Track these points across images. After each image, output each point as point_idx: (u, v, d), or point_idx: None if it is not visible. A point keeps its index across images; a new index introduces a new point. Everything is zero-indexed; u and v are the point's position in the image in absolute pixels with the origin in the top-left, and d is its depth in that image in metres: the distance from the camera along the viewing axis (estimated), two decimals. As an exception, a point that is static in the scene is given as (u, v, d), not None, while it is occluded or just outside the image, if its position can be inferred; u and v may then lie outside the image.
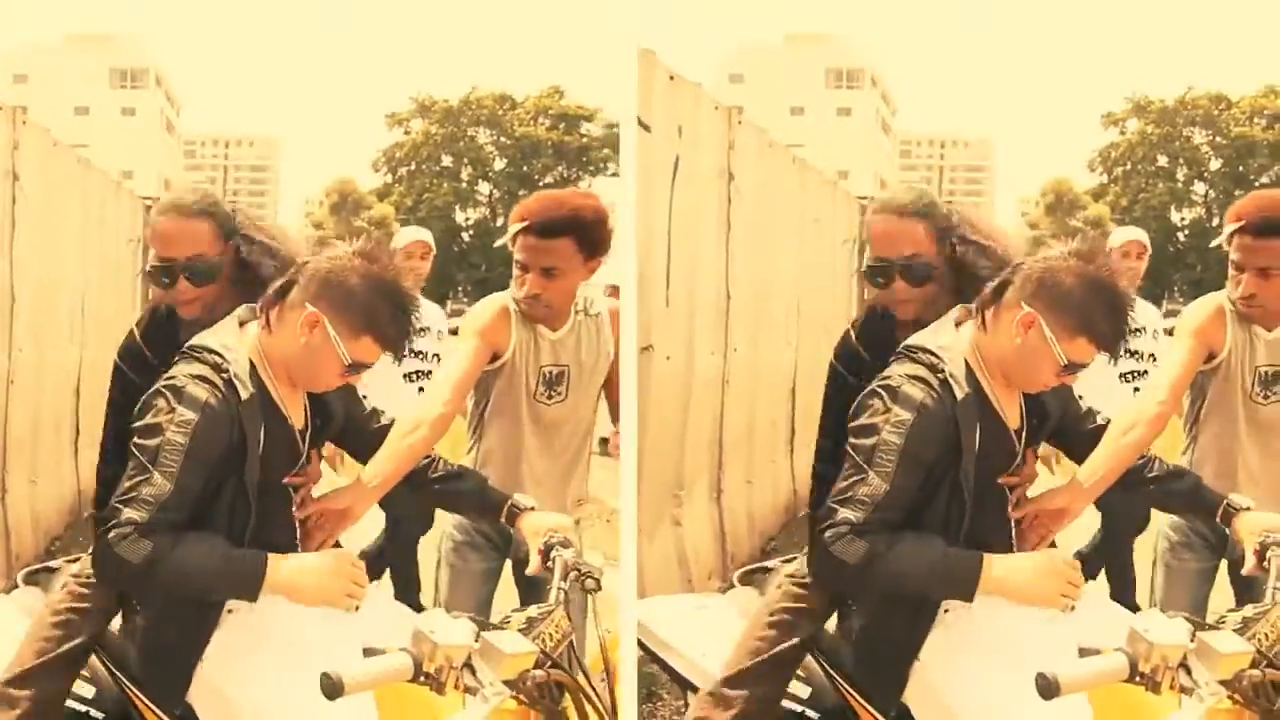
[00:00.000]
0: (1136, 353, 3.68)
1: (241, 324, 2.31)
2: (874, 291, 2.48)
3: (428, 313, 3.38)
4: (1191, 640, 1.85)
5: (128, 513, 2.10)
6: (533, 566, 2.35)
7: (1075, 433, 2.47)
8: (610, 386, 3.01)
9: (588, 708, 2.13)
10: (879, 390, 2.21)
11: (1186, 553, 2.93)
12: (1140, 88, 15.20)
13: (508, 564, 3.05)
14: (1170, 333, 3.28)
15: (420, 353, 3.91)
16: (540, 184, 14.41)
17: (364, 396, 2.56)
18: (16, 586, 2.58)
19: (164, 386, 2.22)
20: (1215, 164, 15.43)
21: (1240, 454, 2.81)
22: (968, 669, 2.19)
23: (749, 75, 13.50)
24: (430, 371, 3.74)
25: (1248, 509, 2.40)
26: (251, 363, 2.26)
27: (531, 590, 2.85)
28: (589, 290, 2.97)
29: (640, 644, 2.70)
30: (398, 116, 14.18)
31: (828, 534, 2.11)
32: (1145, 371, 3.71)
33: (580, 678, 2.14)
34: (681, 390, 4.34)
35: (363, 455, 2.53)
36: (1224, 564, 2.96)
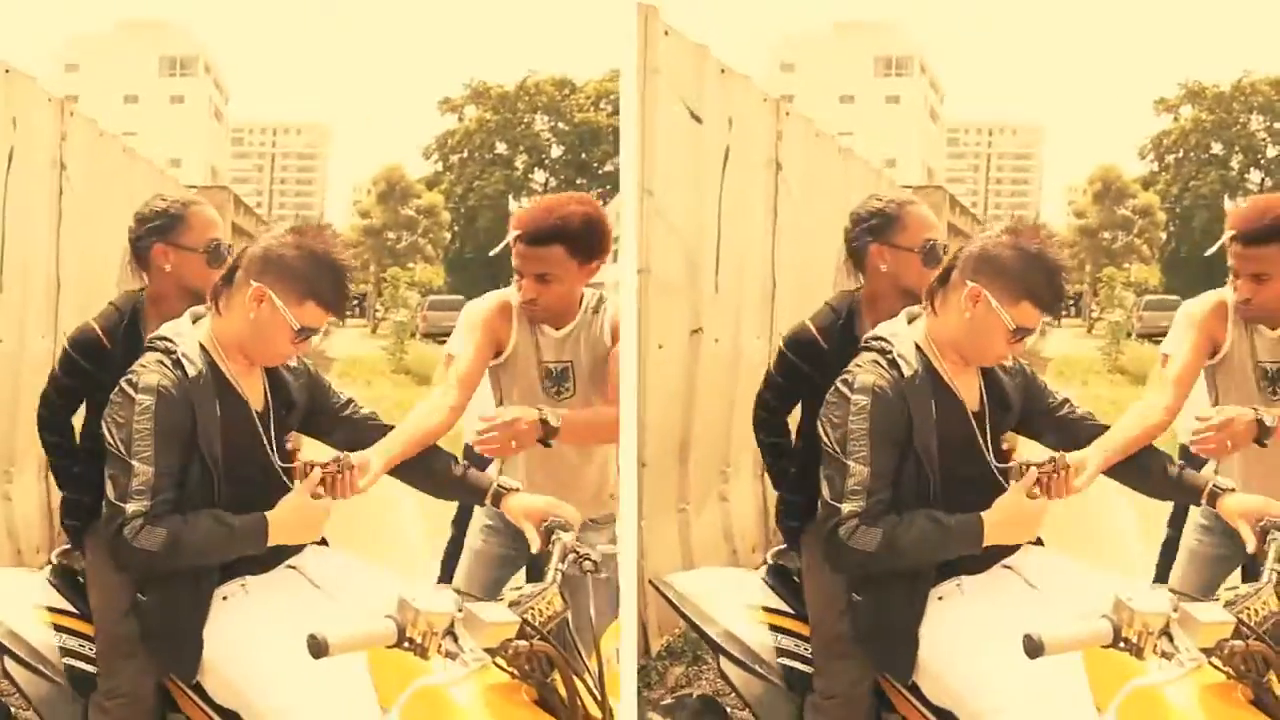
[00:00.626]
0: None
1: (195, 320, 2.53)
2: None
3: None
4: (1174, 610, 2.05)
5: (131, 507, 2.29)
6: (534, 546, 2.48)
7: (1049, 421, 2.63)
8: (614, 371, 3.11)
9: (576, 683, 2.27)
10: (838, 386, 2.42)
11: (1208, 536, 3.05)
12: (1195, 73, 15.02)
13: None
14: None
15: None
16: (600, 172, 14.15)
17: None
18: (51, 564, 2.78)
19: (123, 382, 2.43)
20: (1273, 151, 15.25)
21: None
22: (962, 645, 2.37)
23: (800, 64, 13.64)
24: None
25: (1232, 490, 2.54)
26: (203, 346, 2.45)
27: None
28: (605, 288, 3.13)
29: (681, 613, 2.90)
30: (451, 103, 14.15)
31: (841, 531, 2.29)
32: None
33: (579, 657, 2.30)
34: (729, 372, 4.57)
35: (337, 441, 2.68)
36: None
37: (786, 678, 2.64)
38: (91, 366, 2.71)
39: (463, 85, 13.74)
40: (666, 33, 3.93)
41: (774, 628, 2.72)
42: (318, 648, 2.01)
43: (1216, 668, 2.21)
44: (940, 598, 2.40)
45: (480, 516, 3.13)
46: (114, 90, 12.78)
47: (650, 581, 2.94)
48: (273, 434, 2.53)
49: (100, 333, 2.74)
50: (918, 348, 2.45)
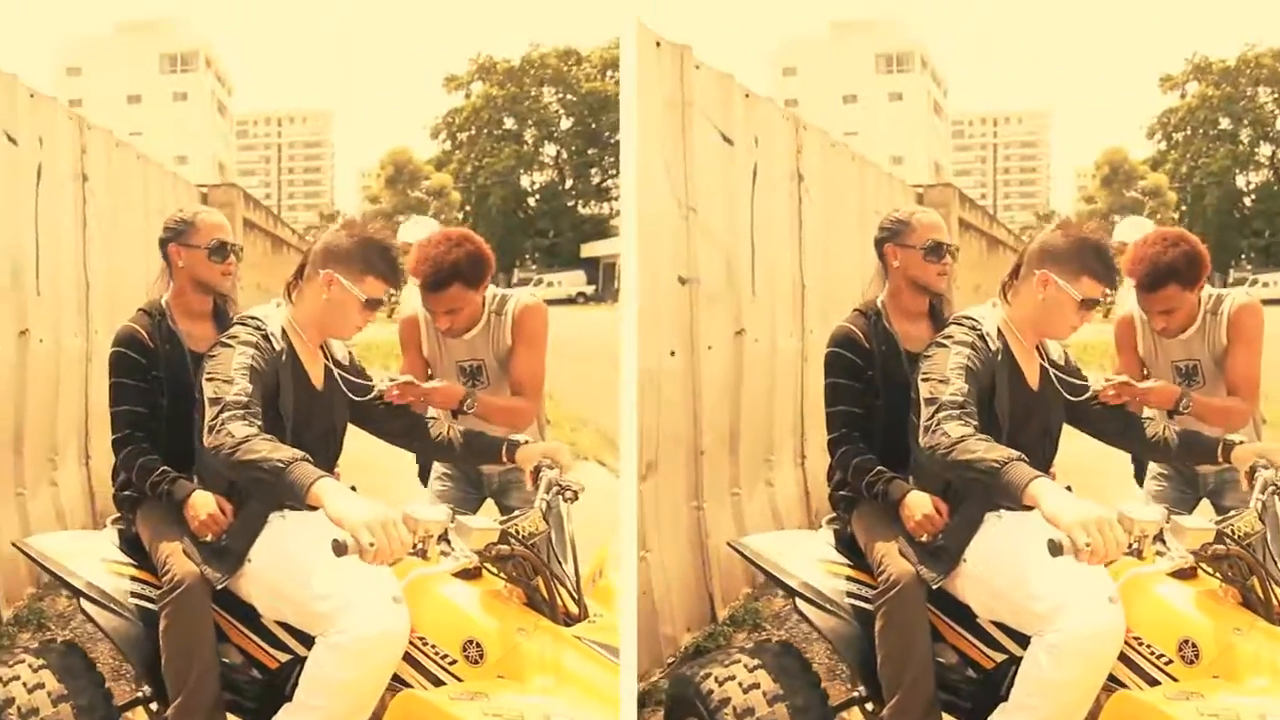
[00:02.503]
0: None
1: (277, 305, 3.07)
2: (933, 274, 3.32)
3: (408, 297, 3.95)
4: (1167, 521, 2.66)
5: (226, 409, 2.75)
6: (528, 485, 3.03)
7: (1092, 409, 3.20)
8: (515, 366, 3.62)
9: (556, 587, 2.80)
10: (938, 341, 3.02)
11: (1165, 483, 3.74)
12: (1200, 48, 15.42)
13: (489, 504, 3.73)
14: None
15: None
16: (610, 140, 14.02)
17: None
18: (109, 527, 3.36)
19: (224, 338, 2.95)
20: None
21: None
22: (1003, 554, 2.92)
23: (801, 67, 14.18)
24: None
25: (1242, 442, 3.12)
26: (282, 328, 3.00)
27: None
28: (509, 290, 3.72)
29: (760, 568, 3.51)
30: (457, 80, 13.24)
31: (940, 415, 2.75)
32: None
33: (555, 566, 2.81)
34: (768, 368, 5.21)
35: (373, 424, 3.24)
36: (1205, 502, 3.69)
37: (855, 614, 3.24)
38: (142, 359, 3.21)
39: (468, 61, 13.46)
40: (698, 67, 4.59)
41: (838, 575, 3.33)
42: (339, 548, 2.47)
43: (1207, 572, 2.82)
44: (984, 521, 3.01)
45: (438, 468, 3.75)
46: (117, 91, 13.05)
47: (729, 543, 3.55)
48: (333, 416, 3.08)
49: (141, 330, 3.25)
50: (1000, 331, 3.06)
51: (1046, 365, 3.10)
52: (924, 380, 2.90)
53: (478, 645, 2.77)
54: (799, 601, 3.27)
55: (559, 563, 2.86)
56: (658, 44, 4.35)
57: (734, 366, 4.88)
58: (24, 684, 3.04)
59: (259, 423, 2.75)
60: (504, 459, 3.18)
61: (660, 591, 4.25)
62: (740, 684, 3.16)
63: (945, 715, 3.05)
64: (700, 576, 4.51)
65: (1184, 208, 15.07)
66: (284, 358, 2.96)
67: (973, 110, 16.66)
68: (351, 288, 2.96)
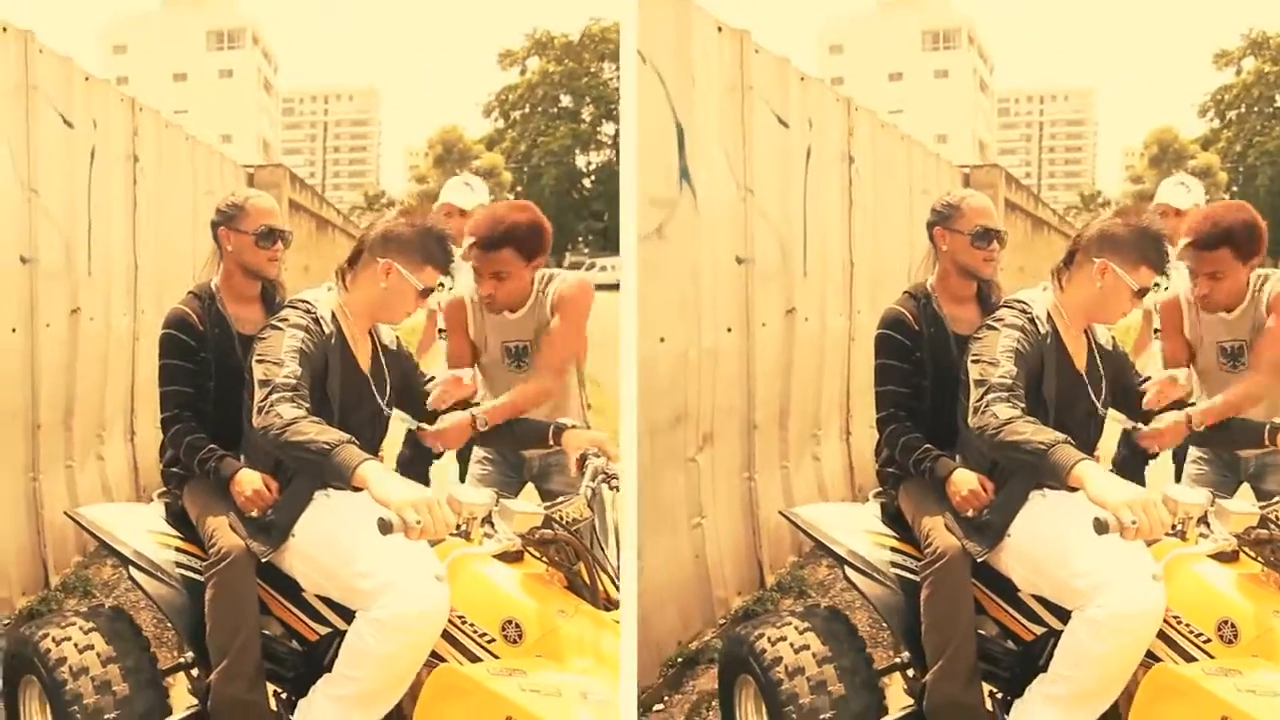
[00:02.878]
0: None
1: (329, 289, 3.26)
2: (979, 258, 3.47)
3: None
4: (1211, 504, 2.83)
5: (276, 391, 2.82)
6: (572, 472, 3.12)
7: (1135, 391, 3.35)
8: (545, 340, 3.60)
9: (598, 572, 2.86)
10: (988, 323, 3.16)
11: (1205, 466, 3.79)
12: (1257, 22, 15.23)
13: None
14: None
15: None
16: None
17: None
18: (156, 500, 3.52)
19: (275, 321, 3.04)
20: None
21: None
22: (1046, 531, 3.06)
23: (848, 45, 14.24)
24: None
25: None
26: (333, 313, 3.08)
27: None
28: (559, 270, 3.70)
29: (810, 536, 3.71)
30: (512, 55, 12.85)
31: (989, 397, 2.91)
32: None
33: (597, 552, 2.92)
34: (817, 346, 5.40)
35: (417, 407, 3.34)
36: (1246, 486, 3.76)
37: (899, 583, 3.44)
38: (192, 341, 3.28)
39: (524, 36, 12.76)
40: (757, 51, 4.76)
41: (884, 546, 3.53)
42: (385, 527, 2.55)
43: (1249, 556, 2.97)
44: (1029, 499, 3.19)
45: (478, 451, 3.75)
46: (163, 69, 12.98)
47: (781, 512, 3.75)
48: (378, 399, 3.15)
49: (191, 313, 3.32)
50: (1049, 316, 3.21)
51: (1095, 349, 3.25)
52: (974, 362, 3.04)
53: (517, 625, 2.85)
54: (846, 569, 3.46)
55: (601, 548, 2.98)
56: (719, 29, 4.52)
57: (785, 344, 5.07)
58: (75, 645, 3.22)
59: (307, 405, 2.85)
60: (550, 442, 3.30)
61: (713, 557, 4.47)
62: (791, 645, 3.36)
63: (985, 684, 3.23)
64: (750, 544, 4.73)
65: (1235, 188, 15.00)
66: (333, 341, 3.05)
67: (1019, 87, 16.67)
68: (410, 276, 3.06)
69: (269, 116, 13.75)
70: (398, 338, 3.32)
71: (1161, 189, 4.43)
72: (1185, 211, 4.20)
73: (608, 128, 12.92)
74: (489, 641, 2.86)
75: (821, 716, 3.25)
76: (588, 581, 2.90)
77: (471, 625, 2.87)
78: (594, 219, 12.59)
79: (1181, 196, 4.33)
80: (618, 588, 2.98)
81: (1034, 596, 3.19)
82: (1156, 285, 3.17)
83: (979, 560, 3.17)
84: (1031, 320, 3.13)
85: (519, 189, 13.20)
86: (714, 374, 4.47)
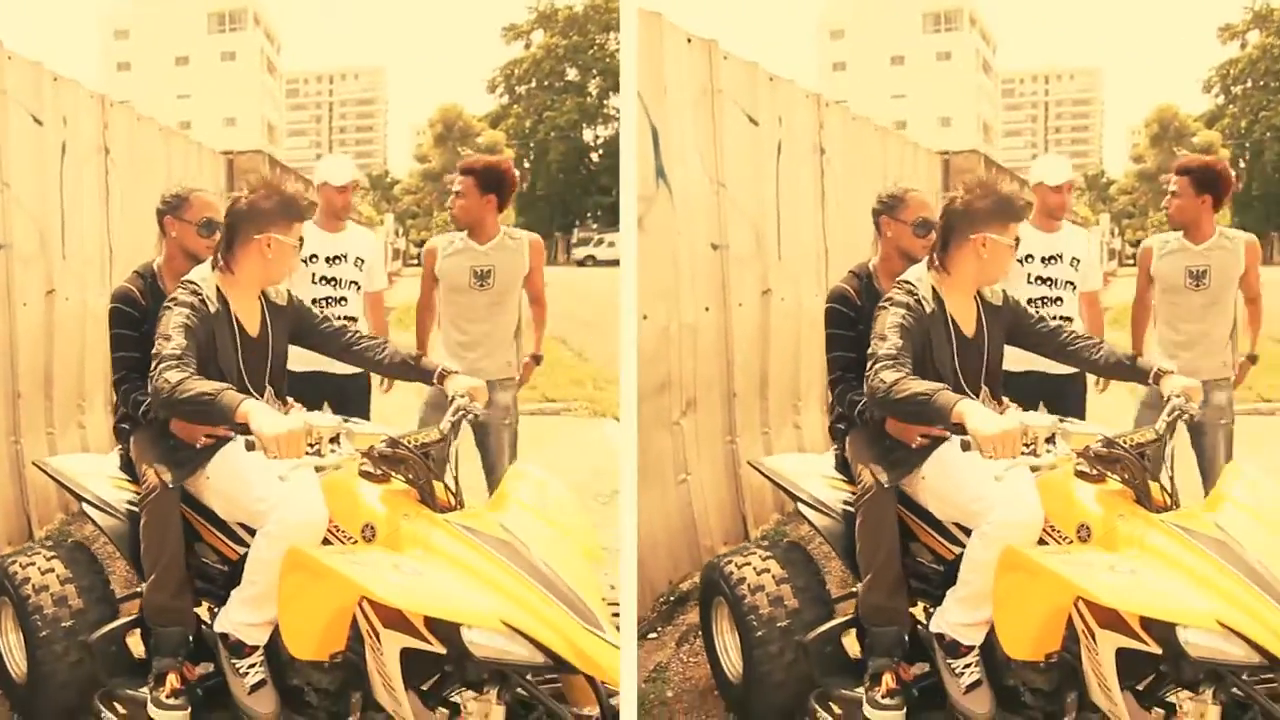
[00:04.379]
0: (1049, 279, 5.15)
1: (214, 268, 3.82)
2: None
3: (358, 240, 5.23)
4: (1059, 426, 3.55)
5: (163, 361, 3.49)
6: (449, 411, 3.88)
7: (1035, 333, 4.07)
8: (534, 282, 5.15)
9: (435, 483, 3.64)
10: (881, 304, 3.87)
11: (1148, 410, 4.72)
12: None
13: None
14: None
15: (331, 279, 5.16)
16: None
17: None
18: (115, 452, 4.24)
19: (166, 301, 3.73)
20: None
21: None
22: (951, 468, 3.81)
23: (849, 29, 14.92)
24: (344, 299, 5.14)
25: (1171, 372, 4.01)
26: (218, 288, 3.76)
27: (484, 450, 5.01)
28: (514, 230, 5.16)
29: (776, 483, 4.52)
30: (517, 29, 13.25)
31: (876, 366, 3.63)
32: (1059, 298, 5.13)
33: (436, 469, 3.67)
34: (794, 323, 6.21)
35: (323, 349, 4.08)
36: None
37: (844, 516, 4.23)
38: (134, 313, 4.01)
39: (527, 9, 13.09)
40: (725, 57, 5.57)
41: (836, 488, 4.32)
42: (249, 445, 3.36)
43: (1093, 470, 3.69)
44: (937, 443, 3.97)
45: (427, 394, 4.88)
46: (165, 53, 13.47)
47: (749, 462, 4.57)
48: (269, 354, 3.86)
49: (135, 290, 4.06)
50: (934, 291, 3.99)
51: (982, 312, 3.96)
52: (871, 349, 3.73)
53: (372, 528, 3.63)
54: (800, 506, 4.29)
55: (441, 466, 3.74)
56: (688, 40, 5.34)
57: (762, 322, 5.89)
58: (38, 569, 4.09)
59: (191, 369, 3.51)
60: (435, 382, 4.04)
61: (700, 510, 5.31)
62: (754, 569, 4.20)
63: (920, 600, 4.01)
64: (734, 500, 5.57)
65: (1242, 164, 15.59)
66: (218, 314, 3.74)
67: (1023, 68, 17.27)
68: (286, 240, 3.78)
69: (273, 98, 14.05)
70: (287, 292, 4.02)
71: (1035, 167, 5.25)
72: (1061, 185, 5.11)
73: (615, 100, 13.13)
74: (352, 542, 3.65)
75: (778, 624, 4.08)
76: (430, 491, 3.68)
77: (341, 530, 3.65)
78: (602, 193, 12.94)
79: (1068, 170, 5.21)
80: (453, 494, 3.76)
81: (955, 524, 3.99)
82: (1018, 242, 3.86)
83: (901, 490, 3.97)
84: (917, 299, 3.82)
85: (526, 164, 13.37)
86: (694, 347, 5.30)
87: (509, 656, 3.32)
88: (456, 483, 3.81)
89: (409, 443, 3.70)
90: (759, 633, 4.09)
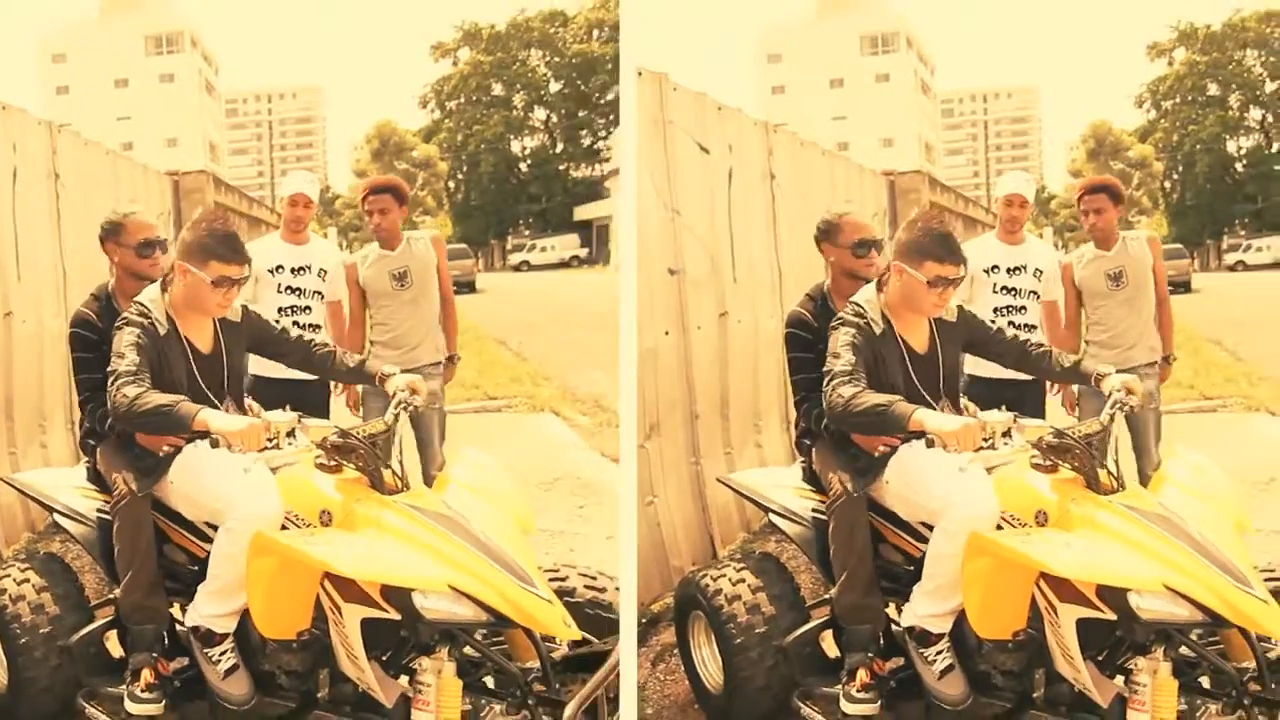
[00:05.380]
0: (1013, 289, 5.72)
1: (164, 289, 4.15)
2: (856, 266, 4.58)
3: (320, 252, 5.80)
4: (1014, 422, 3.92)
5: (119, 378, 3.86)
6: (391, 404, 4.31)
7: (994, 345, 4.45)
8: (444, 275, 5.84)
9: (383, 469, 4.03)
10: (834, 324, 4.21)
11: (1089, 403, 5.25)
12: (1185, 14, 16.57)
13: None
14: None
15: (296, 289, 5.72)
16: (600, 102, 14.63)
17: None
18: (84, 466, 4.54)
19: (118, 323, 4.08)
20: (1271, 86, 16.85)
21: None
22: (913, 472, 4.13)
23: (786, 53, 15.45)
24: (308, 307, 5.73)
25: (1109, 373, 4.39)
26: (167, 311, 4.08)
27: (418, 429, 5.56)
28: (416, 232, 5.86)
29: (747, 497, 4.82)
30: (444, 47, 14.28)
31: (833, 383, 4.00)
32: (1023, 307, 5.71)
33: (384, 456, 4.04)
34: (751, 345, 6.54)
35: (290, 362, 4.47)
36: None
37: (814, 524, 4.54)
38: (93, 336, 4.32)
39: (453, 28, 14.07)
40: (675, 89, 5.91)
41: (805, 498, 4.63)
42: (214, 443, 3.76)
43: (1045, 460, 4.07)
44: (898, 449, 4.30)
45: (366, 390, 5.54)
46: (103, 76, 13.92)
47: (719, 479, 4.87)
48: (224, 368, 4.20)
49: (91, 313, 4.39)
50: (882, 313, 4.33)
51: (934, 328, 4.28)
52: (826, 367, 4.09)
53: (328, 513, 4.02)
54: (773, 516, 4.60)
55: (388, 454, 4.11)
56: (639, 73, 5.67)
57: (720, 344, 6.21)
58: (14, 580, 4.38)
59: (147, 383, 3.87)
60: (377, 383, 4.47)
61: (668, 531, 5.60)
62: (730, 580, 4.49)
63: (890, 599, 4.32)
64: (701, 520, 5.86)
65: (1175, 176, 16.29)
66: (164, 333, 4.08)
67: (962, 87, 17.95)
68: (198, 272, 4.06)
69: (213, 118, 14.55)
70: (243, 308, 4.34)
71: (1003, 181, 5.84)
72: (1029, 202, 5.78)
73: (539, 113, 14.11)
74: (310, 527, 4.01)
75: (756, 630, 4.38)
76: (379, 478, 4.06)
77: (299, 517, 4.02)
78: (531, 201, 13.96)
79: (1026, 185, 5.81)
80: (399, 478, 4.12)
81: (919, 523, 4.31)
82: (948, 280, 4.10)
83: (869, 495, 4.29)
84: (865, 319, 4.18)
85: (459, 175, 14.47)
86: (654, 370, 5.60)
87: (457, 617, 3.75)
88: (402, 467, 4.20)
89: (357, 434, 4.08)
90: (738, 640, 4.38)
